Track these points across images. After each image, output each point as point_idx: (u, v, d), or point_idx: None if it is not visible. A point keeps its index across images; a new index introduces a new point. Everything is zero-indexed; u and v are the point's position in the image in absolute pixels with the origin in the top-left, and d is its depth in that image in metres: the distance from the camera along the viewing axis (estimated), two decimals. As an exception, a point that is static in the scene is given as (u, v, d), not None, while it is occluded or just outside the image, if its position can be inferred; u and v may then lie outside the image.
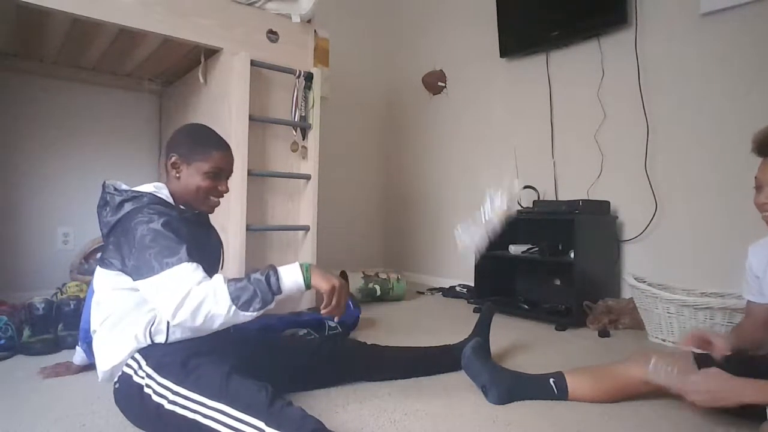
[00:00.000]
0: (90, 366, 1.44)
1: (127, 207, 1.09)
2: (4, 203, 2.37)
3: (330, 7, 3.18)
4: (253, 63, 1.98)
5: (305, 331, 1.72)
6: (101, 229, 1.14)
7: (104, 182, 1.16)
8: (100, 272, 1.13)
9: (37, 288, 2.30)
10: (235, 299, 0.99)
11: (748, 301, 1.28)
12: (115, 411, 1.13)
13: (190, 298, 0.98)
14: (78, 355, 1.43)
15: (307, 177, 2.20)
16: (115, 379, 1.10)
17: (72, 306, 1.73)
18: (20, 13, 1.79)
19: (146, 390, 1.01)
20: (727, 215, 2.07)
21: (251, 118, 1.98)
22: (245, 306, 1.00)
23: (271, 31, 2.09)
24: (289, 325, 1.73)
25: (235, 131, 1.92)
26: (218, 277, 1.02)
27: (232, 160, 1.28)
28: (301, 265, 1.07)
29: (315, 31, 2.25)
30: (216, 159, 1.21)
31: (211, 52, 2.06)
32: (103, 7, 1.69)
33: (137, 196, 1.11)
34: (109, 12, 1.70)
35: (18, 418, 1.15)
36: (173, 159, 1.20)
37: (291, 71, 2.11)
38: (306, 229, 2.20)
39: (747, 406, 1.00)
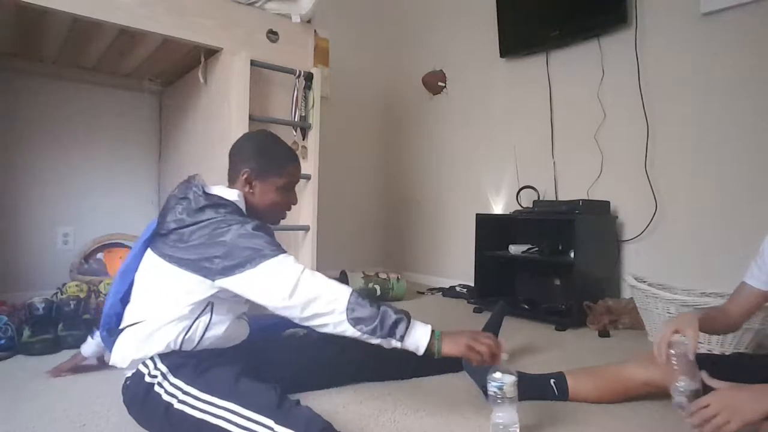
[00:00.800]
0: (84, 367, 1.44)
1: (209, 214, 1.05)
2: (4, 203, 2.37)
3: (330, 7, 3.17)
4: (253, 63, 1.98)
5: (305, 331, 1.72)
6: (167, 222, 1.07)
7: (194, 176, 1.13)
8: (155, 262, 1.08)
9: (37, 288, 2.29)
10: (350, 309, 0.97)
11: (744, 283, 1.22)
12: (115, 411, 1.13)
13: (307, 286, 0.97)
14: (89, 346, 1.36)
15: (307, 177, 2.20)
16: (128, 375, 1.09)
17: (72, 306, 1.72)
18: (20, 13, 1.79)
19: (157, 389, 1.01)
20: (727, 215, 2.07)
21: (251, 118, 1.98)
22: (355, 321, 0.97)
23: (271, 31, 2.09)
24: (290, 325, 1.72)
25: (235, 131, 1.92)
26: (346, 287, 1.00)
27: (301, 168, 1.27)
28: (433, 332, 1.01)
29: (315, 31, 2.25)
30: (290, 173, 1.21)
31: (211, 52, 2.06)
32: (103, 7, 1.69)
33: (222, 205, 1.08)
34: (109, 12, 1.70)
35: (18, 418, 1.15)
36: (246, 175, 1.18)
37: (291, 71, 2.12)
38: (306, 229, 2.20)
39: None
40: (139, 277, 1.12)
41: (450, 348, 1.01)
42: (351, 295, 0.98)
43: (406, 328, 0.99)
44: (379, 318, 0.98)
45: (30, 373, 1.44)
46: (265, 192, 1.19)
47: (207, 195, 1.09)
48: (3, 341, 1.59)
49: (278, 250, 1.01)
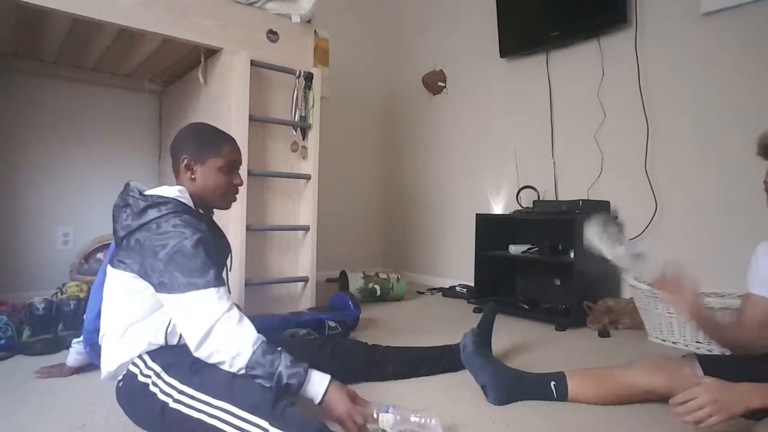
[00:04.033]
0: (84, 367, 1.44)
1: (152, 213, 1.06)
2: (4, 203, 2.37)
3: (330, 7, 3.18)
4: (253, 63, 1.98)
5: (305, 331, 1.72)
6: (117, 231, 1.11)
7: (128, 183, 1.14)
8: (113, 273, 1.11)
9: (37, 288, 2.30)
10: (249, 368, 0.98)
11: (750, 293, 1.22)
12: (115, 410, 1.13)
13: (214, 337, 0.98)
14: (71, 357, 1.42)
15: (307, 177, 2.20)
16: (119, 377, 1.09)
17: (72, 306, 1.73)
18: (20, 13, 1.79)
19: (152, 388, 1.01)
20: (727, 215, 2.07)
21: (251, 118, 1.98)
22: (252, 375, 0.99)
23: (271, 31, 2.09)
24: (290, 326, 1.73)
25: (235, 131, 1.92)
26: (254, 335, 1.01)
27: (240, 151, 1.28)
28: (330, 381, 1.05)
29: (315, 31, 2.25)
30: (227, 152, 1.22)
31: (211, 52, 2.06)
32: (103, 7, 1.69)
33: (162, 203, 1.08)
34: (109, 12, 1.70)
35: (18, 418, 1.15)
36: (186, 161, 1.19)
37: (291, 71, 2.11)
38: (306, 229, 2.20)
39: (754, 412, 0.95)
40: (106, 291, 1.14)
41: (330, 405, 1.03)
42: (253, 354, 0.99)
43: (300, 387, 1.01)
44: (275, 380, 0.99)
45: (30, 373, 1.44)
46: (207, 175, 1.19)
47: (145, 196, 1.10)
48: (3, 341, 1.59)
49: (209, 277, 1.01)
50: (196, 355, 1.00)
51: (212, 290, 1.01)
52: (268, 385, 0.99)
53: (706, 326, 1.21)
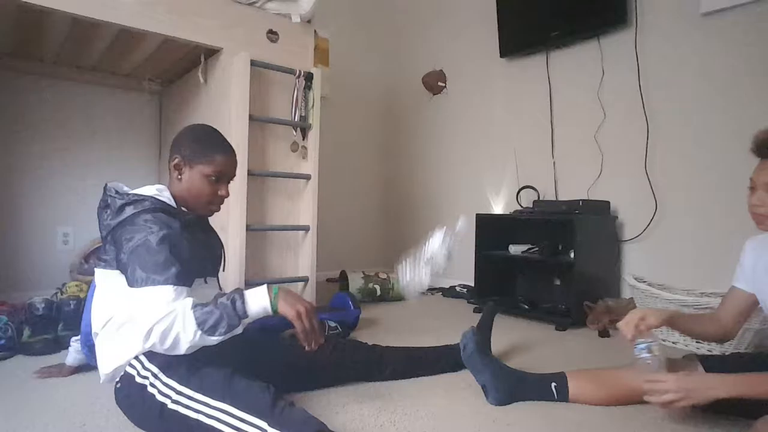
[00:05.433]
0: (84, 367, 1.45)
1: (129, 211, 1.08)
2: (4, 203, 2.36)
3: (330, 7, 3.18)
4: (253, 63, 1.98)
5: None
6: (101, 231, 1.13)
7: (106, 184, 1.15)
8: (100, 273, 1.12)
9: (37, 288, 2.30)
10: (201, 324, 0.98)
11: (733, 287, 1.27)
12: (115, 411, 1.13)
13: (160, 322, 0.97)
14: (71, 356, 1.43)
15: (307, 177, 2.20)
16: (117, 379, 1.09)
17: (72, 306, 1.73)
18: (20, 13, 1.79)
19: (150, 389, 1.01)
20: (727, 215, 2.07)
21: (251, 118, 1.98)
22: (211, 330, 0.98)
23: (271, 31, 2.09)
24: (289, 326, 1.72)
25: (235, 131, 1.92)
26: (187, 301, 1.01)
27: (236, 164, 1.26)
28: (269, 288, 1.05)
29: (315, 31, 2.25)
30: (218, 163, 1.20)
31: (211, 52, 2.06)
32: (103, 7, 1.69)
33: (138, 200, 1.10)
34: (109, 12, 1.70)
35: (18, 418, 1.15)
36: (176, 160, 1.19)
37: (291, 71, 2.11)
38: (306, 229, 2.20)
39: (721, 402, 1.00)
40: (95, 292, 1.14)
41: (284, 307, 1.04)
42: (194, 310, 0.99)
43: (243, 302, 1.01)
44: (225, 313, 0.99)
45: (30, 373, 1.44)
46: (192, 179, 1.19)
47: (122, 195, 1.11)
48: (3, 341, 1.59)
49: (167, 276, 1.01)
50: (147, 345, 0.98)
51: (169, 287, 1.01)
52: (225, 330, 0.99)
53: (678, 328, 1.26)
